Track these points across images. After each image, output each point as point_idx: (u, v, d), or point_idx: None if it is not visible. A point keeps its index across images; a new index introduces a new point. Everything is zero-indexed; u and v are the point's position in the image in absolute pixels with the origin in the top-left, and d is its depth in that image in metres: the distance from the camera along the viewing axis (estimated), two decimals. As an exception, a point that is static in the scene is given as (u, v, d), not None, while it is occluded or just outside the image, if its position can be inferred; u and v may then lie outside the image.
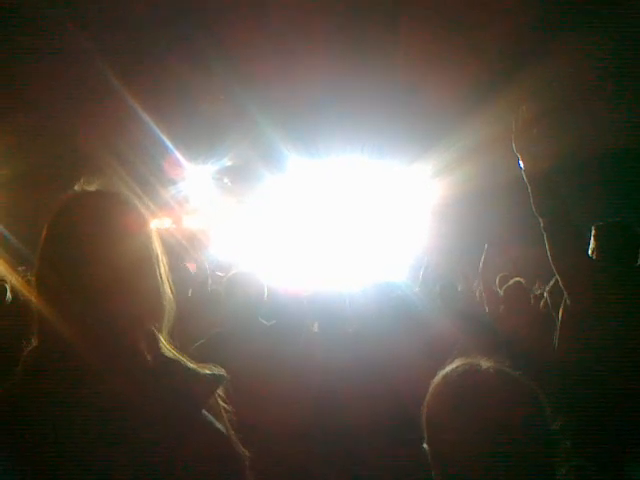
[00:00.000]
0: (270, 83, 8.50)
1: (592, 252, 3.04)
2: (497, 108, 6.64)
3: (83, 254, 1.16)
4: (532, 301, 5.73)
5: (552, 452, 1.29)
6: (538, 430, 1.29)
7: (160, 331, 1.28)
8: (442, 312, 4.67)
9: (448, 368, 1.44)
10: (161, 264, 1.29)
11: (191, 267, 5.45)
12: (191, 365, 1.29)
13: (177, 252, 5.28)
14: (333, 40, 7.47)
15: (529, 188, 2.86)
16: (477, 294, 6.99)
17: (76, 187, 1.27)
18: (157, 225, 10.46)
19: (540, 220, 2.84)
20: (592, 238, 3.09)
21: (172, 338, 1.33)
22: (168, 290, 1.29)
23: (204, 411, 1.26)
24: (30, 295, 1.20)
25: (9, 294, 4.17)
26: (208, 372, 1.31)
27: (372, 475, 2.94)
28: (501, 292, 5.56)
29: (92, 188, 1.27)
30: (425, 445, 1.39)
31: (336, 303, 3.76)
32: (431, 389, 1.44)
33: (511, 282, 5.31)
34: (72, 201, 1.25)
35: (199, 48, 7.61)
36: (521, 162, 2.90)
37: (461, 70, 7.42)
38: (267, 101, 8.95)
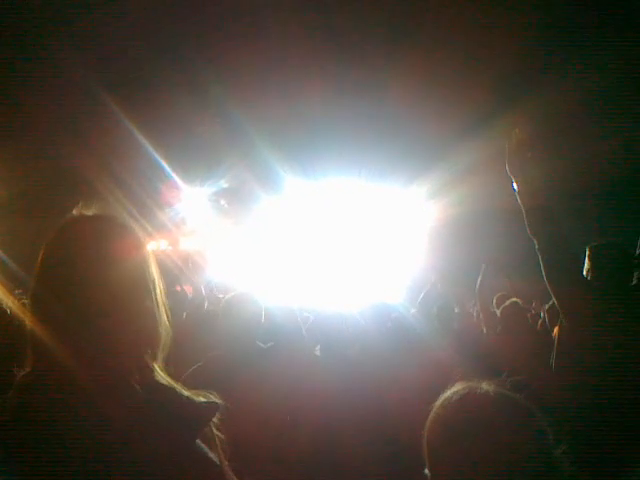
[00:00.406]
0: (266, 106, 8.56)
1: (586, 273, 3.06)
2: (493, 130, 6.69)
3: (79, 277, 1.16)
4: (530, 321, 5.72)
5: (555, 476, 1.27)
6: (540, 454, 1.27)
7: (155, 357, 1.26)
8: (439, 334, 4.66)
9: (449, 392, 1.42)
10: (157, 289, 1.28)
11: (187, 289, 5.44)
12: (186, 393, 1.27)
13: (174, 274, 5.27)
14: (331, 63, 7.54)
15: (523, 210, 2.88)
16: (474, 315, 6.98)
17: (74, 211, 1.27)
18: (154, 247, 10.46)
19: (535, 241, 2.85)
20: (586, 259, 3.11)
21: (168, 364, 1.31)
22: (164, 316, 1.28)
23: (198, 441, 1.23)
24: (25, 318, 1.19)
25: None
26: (203, 400, 1.29)
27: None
28: (498, 312, 5.55)
29: (90, 212, 1.27)
30: (426, 471, 1.37)
31: (337, 326, 3.75)
32: (432, 413, 1.42)
33: (508, 303, 5.30)
34: (70, 225, 1.25)
35: (196, 71, 7.67)
36: (515, 184, 2.92)
37: (457, 93, 7.49)
38: (264, 123, 9.01)
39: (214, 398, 1.31)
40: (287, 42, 7.19)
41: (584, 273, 3.05)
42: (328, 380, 3.25)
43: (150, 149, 8.83)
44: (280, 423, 2.86)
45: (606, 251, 3.08)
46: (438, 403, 1.42)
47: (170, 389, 1.26)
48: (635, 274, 2.86)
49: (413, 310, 5.37)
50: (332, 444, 2.93)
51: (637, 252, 2.88)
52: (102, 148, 8.86)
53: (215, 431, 1.30)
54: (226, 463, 1.30)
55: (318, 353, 3.72)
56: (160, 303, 1.27)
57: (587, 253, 3.12)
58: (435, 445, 1.37)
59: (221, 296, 5.57)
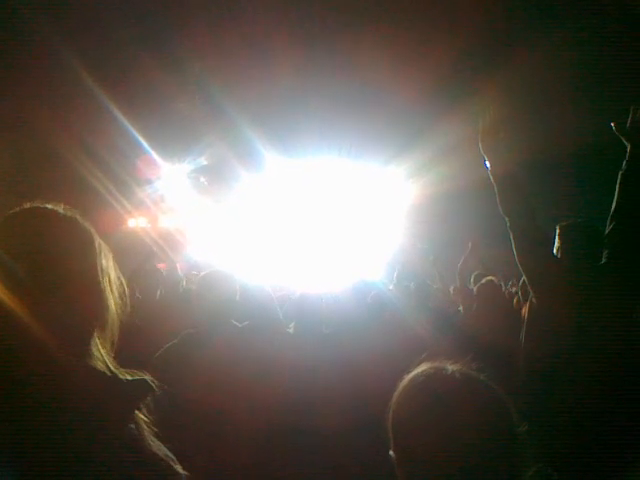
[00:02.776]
0: (246, 83, 8.49)
1: (557, 251, 3.09)
2: (468, 109, 6.71)
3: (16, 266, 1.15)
4: (506, 299, 5.77)
5: (518, 456, 1.29)
6: (504, 434, 1.29)
7: (98, 342, 1.26)
8: (416, 311, 4.70)
9: (413, 372, 1.43)
10: (106, 278, 1.29)
11: (163, 267, 5.40)
12: (119, 377, 1.25)
13: (151, 252, 5.23)
14: (310, 41, 7.49)
15: (495, 188, 2.91)
16: (452, 292, 7.04)
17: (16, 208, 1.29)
18: (131, 225, 10.39)
19: (506, 220, 2.89)
20: (556, 237, 3.14)
21: (116, 350, 1.31)
22: (112, 303, 1.29)
23: (132, 427, 1.20)
24: None
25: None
26: (133, 381, 1.25)
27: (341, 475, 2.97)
28: (475, 290, 5.59)
29: (29, 206, 1.28)
30: (391, 452, 1.38)
31: (312, 303, 3.76)
32: (396, 393, 1.42)
33: (484, 280, 5.35)
34: (7, 219, 1.26)
35: (174, 47, 7.58)
36: (487, 163, 2.94)
37: (435, 73, 7.48)
38: (243, 100, 8.94)
39: (145, 377, 1.27)
40: (268, 20, 7.13)
41: (554, 251, 3.09)
42: (300, 356, 3.27)
43: (129, 125, 8.73)
44: (251, 399, 2.88)
45: (576, 230, 3.12)
46: (403, 383, 1.43)
47: (100, 373, 1.23)
48: (604, 253, 2.90)
49: (391, 287, 5.41)
50: (302, 421, 2.97)
51: (606, 231, 2.92)
52: (79, 124, 8.74)
53: (144, 413, 1.27)
54: (164, 449, 1.27)
55: (291, 330, 3.74)
56: (107, 292, 1.28)
57: (557, 232, 3.16)
58: (400, 425, 1.38)
59: (195, 273, 5.55)
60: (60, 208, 1.30)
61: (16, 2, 6.02)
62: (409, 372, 1.45)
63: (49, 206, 1.29)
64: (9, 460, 1.02)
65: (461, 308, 6.01)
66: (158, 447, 1.26)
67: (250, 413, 2.89)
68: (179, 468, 1.28)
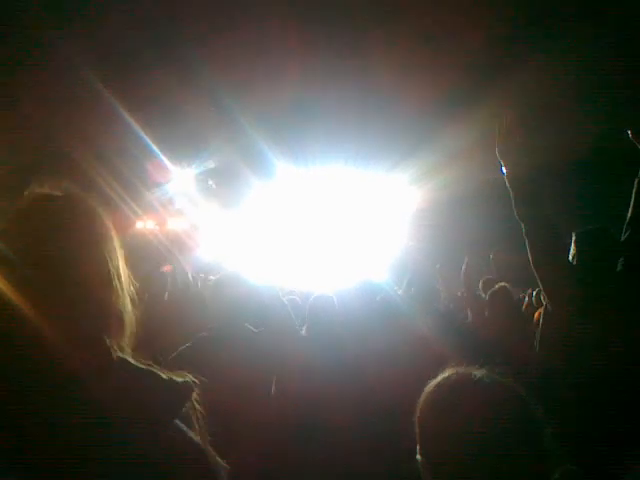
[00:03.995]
0: (255, 88, 8.51)
1: (572, 258, 3.08)
2: (480, 114, 6.69)
3: (44, 252, 1.12)
4: (518, 305, 5.74)
5: (546, 458, 1.30)
6: (531, 437, 1.30)
7: (123, 342, 1.23)
8: (424, 314, 4.68)
9: (440, 378, 1.43)
10: (122, 274, 1.24)
11: (170, 269, 5.41)
12: (161, 374, 1.22)
13: (159, 254, 5.25)
14: (318, 49, 7.50)
15: (511, 194, 2.89)
16: (459, 296, 7.01)
17: (35, 190, 1.23)
18: (141, 227, 10.41)
19: (522, 226, 2.87)
20: (572, 244, 3.12)
21: (138, 349, 1.28)
22: (128, 301, 1.25)
23: (177, 422, 1.19)
24: None
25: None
26: (180, 380, 1.24)
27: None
28: (485, 296, 5.54)
29: (58, 191, 1.23)
30: (418, 456, 1.38)
31: (324, 306, 3.77)
32: (423, 399, 1.42)
33: (497, 287, 5.27)
34: (38, 201, 1.22)
35: (184, 51, 7.59)
36: (504, 168, 2.93)
37: (444, 77, 7.47)
38: (252, 105, 8.96)
39: (190, 377, 1.26)
40: (276, 27, 7.14)
41: (570, 259, 3.07)
42: (313, 358, 3.28)
43: (138, 129, 8.75)
44: (265, 401, 2.89)
45: (592, 237, 3.10)
46: (430, 389, 1.43)
47: (144, 369, 1.21)
48: (620, 260, 2.88)
49: (399, 290, 5.39)
50: (315, 423, 2.97)
51: (622, 238, 2.90)
52: (89, 127, 8.77)
53: (196, 406, 1.26)
54: (207, 439, 1.26)
55: (304, 333, 3.74)
56: (124, 289, 1.24)
57: (573, 239, 3.14)
58: (429, 431, 1.38)
59: (203, 275, 5.57)
60: (80, 195, 1.24)
61: (28, 6, 6.05)
62: (434, 378, 1.45)
63: (77, 194, 1.23)
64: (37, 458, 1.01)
65: (470, 314, 5.98)
66: (204, 441, 1.25)
67: (264, 415, 2.89)
68: (221, 462, 1.28)
